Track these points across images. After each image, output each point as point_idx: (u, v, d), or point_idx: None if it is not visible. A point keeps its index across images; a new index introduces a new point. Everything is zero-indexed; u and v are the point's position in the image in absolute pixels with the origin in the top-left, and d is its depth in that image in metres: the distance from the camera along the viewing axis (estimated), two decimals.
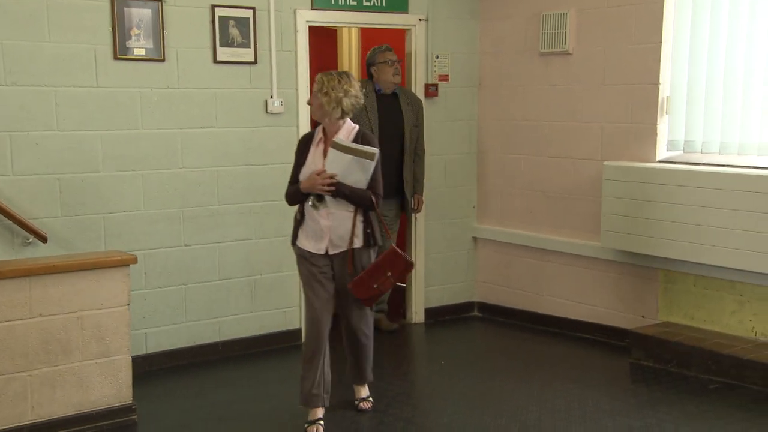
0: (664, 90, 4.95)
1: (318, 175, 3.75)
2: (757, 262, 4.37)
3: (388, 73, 5.29)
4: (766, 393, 4.25)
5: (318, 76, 3.84)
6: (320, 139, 3.88)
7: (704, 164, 4.77)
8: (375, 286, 3.84)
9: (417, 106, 5.48)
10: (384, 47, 5.37)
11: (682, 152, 4.95)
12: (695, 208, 4.60)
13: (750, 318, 4.62)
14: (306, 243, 3.89)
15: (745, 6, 4.56)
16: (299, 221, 3.92)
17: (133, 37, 4.62)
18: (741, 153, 4.65)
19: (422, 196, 5.57)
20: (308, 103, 3.95)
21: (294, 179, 3.90)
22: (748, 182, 4.40)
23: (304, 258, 3.91)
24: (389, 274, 3.85)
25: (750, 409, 4.09)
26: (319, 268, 3.89)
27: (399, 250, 3.90)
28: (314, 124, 4.11)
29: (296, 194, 3.88)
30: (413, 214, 5.67)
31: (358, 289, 3.85)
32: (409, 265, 3.97)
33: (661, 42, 4.90)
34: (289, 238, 4.03)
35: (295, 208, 3.98)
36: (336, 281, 3.93)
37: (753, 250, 4.37)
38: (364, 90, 5.07)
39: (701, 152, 4.83)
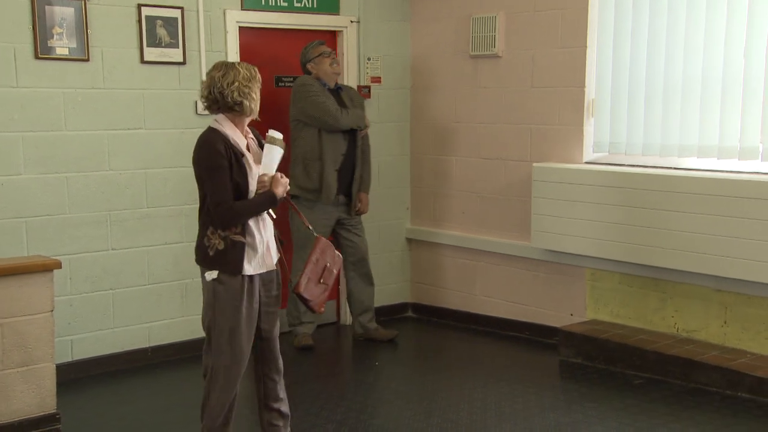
0: (590, 93, 5.07)
1: (277, 178, 3.29)
2: (678, 260, 4.51)
3: (326, 64, 5.15)
4: (687, 387, 4.40)
5: (254, 70, 3.32)
6: (247, 143, 3.35)
7: (628, 165, 4.90)
8: (321, 281, 3.46)
9: (358, 102, 5.36)
10: (315, 42, 5.29)
11: (607, 153, 5.08)
12: (619, 207, 4.73)
13: (672, 314, 4.77)
14: (252, 268, 3.30)
15: (664, 12, 4.71)
16: (243, 244, 3.26)
17: (55, 36, 4.50)
18: (662, 154, 4.80)
19: (368, 195, 5.41)
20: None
21: (230, 194, 3.22)
22: (668, 182, 4.54)
23: (243, 291, 3.30)
24: (328, 265, 3.48)
25: (671, 403, 4.23)
26: (255, 300, 3.36)
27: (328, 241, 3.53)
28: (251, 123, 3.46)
29: (259, 207, 3.27)
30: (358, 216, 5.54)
31: (310, 291, 3.41)
32: (339, 257, 3.57)
33: (586, 46, 5.02)
34: None
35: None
36: (260, 306, 3.40)
37: (674, 248, 4.51)
38: (319, 86, 5.07)
39: (625, 153, 4.97)
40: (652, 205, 4.59)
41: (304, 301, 3.46)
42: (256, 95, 3.32)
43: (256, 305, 3.35)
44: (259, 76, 3.35)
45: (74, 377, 4.66)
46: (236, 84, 3.25)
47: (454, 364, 5.04)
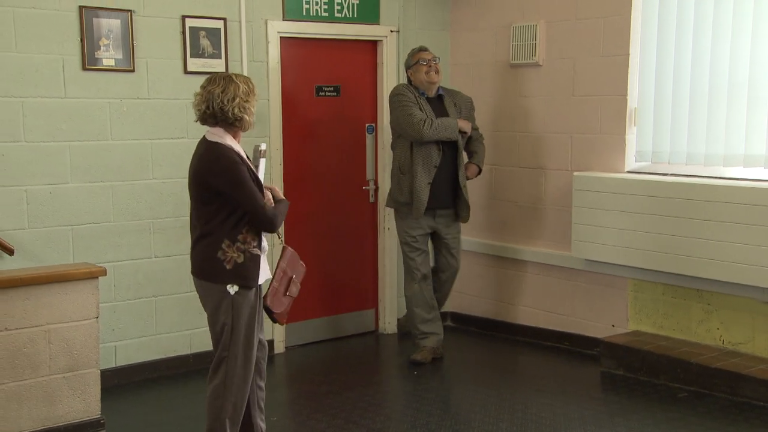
0: (632, 101, 5.02)
1: (277, 189, 3.52)
2: (724, 271, 4.43)
3: (422, 72, 4.99)
4: (733, 401, 4.31)
5: (251, 83, 3.37)
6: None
7: (671, 174, 4.83)
8: (287, 293, 3.51)
9: (465, 106, 5.15)
10: (418, 47, 5.12)
11: (650, 162, 5.02)
12: (663, 217, 4.66)
13: (717, 326, 4.69)
14: (261, 277, 3.40)
15: (709, 19, 4.64)
16: (258, 256, 3.36)
17: (102, 48, 4.59)
18: (707, 164, 4.72)
19: (479, 168, 5.20)
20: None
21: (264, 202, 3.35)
22: (714, 192, 4.46)
23: (256, 300, 3.40)
24: (294, 277, 3.52)
25: (717, 417, 4.15)
26: (261, 308, 3.47)
27: (293, 251, 3.56)
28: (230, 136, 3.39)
29: (284, 213, 3.43)
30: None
31: (275, 302, 3.46)
32: (303, 267, 3.62)
33: (628, 54, 4.97)
34: None
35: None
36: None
37: (719, 260, 4.43)
38: (412, 95, 4.98)
39: (669, 162, 4.91)
40: (696, 215, 4.52)
41: (269, 312, 3.48)
42: (254, 108, 3.35)
43: (261, 313, 3.46)
44: (255, 88, 3.38)
45: (118, 383, 4.72)
46: (237, 100, 3.28)
47: (494, 374, 5.01)
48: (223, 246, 3.27)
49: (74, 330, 3.91)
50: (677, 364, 4.57)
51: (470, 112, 5.22)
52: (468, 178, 5.14)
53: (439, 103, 5.09)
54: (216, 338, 3.39)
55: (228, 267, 3.27)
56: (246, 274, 3.30)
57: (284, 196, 3.60)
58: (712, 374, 4.41)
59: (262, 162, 3.45)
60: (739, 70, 4.55)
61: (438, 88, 5.12)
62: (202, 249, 3.32)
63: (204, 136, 3.37)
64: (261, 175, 3.41)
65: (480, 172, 5.24)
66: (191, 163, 3.36)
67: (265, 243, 3.43)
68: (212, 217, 3.28)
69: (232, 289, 3.29)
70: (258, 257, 3.34)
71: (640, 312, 5.04)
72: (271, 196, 3.43)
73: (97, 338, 4.00)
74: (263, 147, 3.51)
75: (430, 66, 5.04)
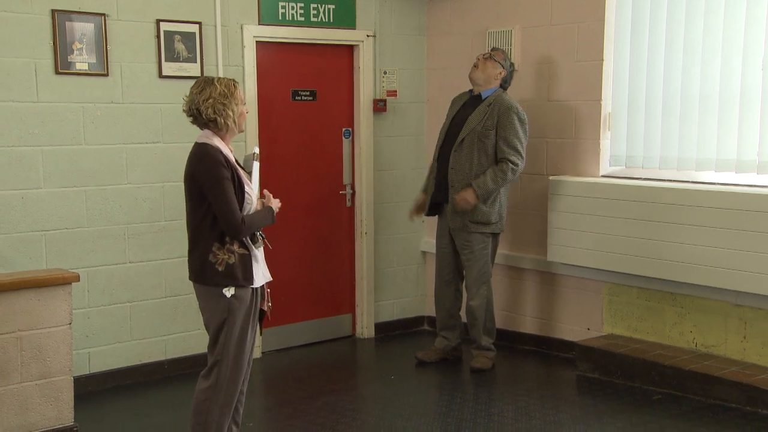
0: (607, 106, 5.06)
1: (269, 195, 3.48)
2: (696, 275, 4.48)
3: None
4: (706, 403, 4.35)
5: (233, 86, 3.34)
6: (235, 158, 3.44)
7: (645, 179, 4.88)
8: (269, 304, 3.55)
9: (498, 112, 4.87)
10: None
11: (624, 167, 5.06)
12: (637, 221, 4.70)
13: (690, 329, 4.73)
14: (258, 279, 3.38)
15: (681, 26, 4.70)
16: (249, 255, 3.34)
17: (75, 51, 4.55)
18: (680, 168, 4.78)
19: (472, 193, 4.82)
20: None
21: (237, 205, 3.28)
22: (686, 196, 4.51)
23: (252, 302, 3.39)
24: (268, 289, 3.54)
25: (690, 419, 4.19)
26: (257, 312, 3.45)
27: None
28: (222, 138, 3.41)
29: (262, 222, 3.36)
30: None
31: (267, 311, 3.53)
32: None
33: (602, 59, 5.02)
34: None
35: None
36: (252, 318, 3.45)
37: (692, 263, 4.48)
38: (457, 98, 5.18)
39: (642, 167, 4.95)
40: (669, 219, 4.56)
41: (261, 318, 3.51)
42: (234, 111, 3.33)
43: (257, 316, 3.45)
44: (239, 92, 3.35)
45: (91, 390, 4.68)
46: (211, 101, 3.29)
47: (470, 378, 5.02)
48: (214, 249, 3.29)
49: (47, 336, 3.87)
50: (651, 367, 4.61)
51: (502, 120, 4.85)
52: (457, 202, 4.86)
53: (475, 102, 5.01)
54: (212, 342, 3.39)
55: (220, 269, 3.28)
56: (238, 274, 3.29)
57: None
58: (686, 377, 4.46)
59: (256, 165, 3.43)
60: (710, 74, 4.60)
61: (494, 89, 4.97)
62: (196, 253, 3.34)
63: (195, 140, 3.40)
64: (255, 179, 3.41)
65: (477, 197, 4.81)
66: (185, 169, 3.38)
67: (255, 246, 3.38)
68: (201, 221, 3.30)
69: (228, 292, 3.30)
70: (248, 256, 3.32)
71: (615, 315, 5.08)
72: (261, 203, 3.42)
73: (70, 345, 3.95)
74: (256, 150, 3.50)
75: (475, 61, 5.06)
